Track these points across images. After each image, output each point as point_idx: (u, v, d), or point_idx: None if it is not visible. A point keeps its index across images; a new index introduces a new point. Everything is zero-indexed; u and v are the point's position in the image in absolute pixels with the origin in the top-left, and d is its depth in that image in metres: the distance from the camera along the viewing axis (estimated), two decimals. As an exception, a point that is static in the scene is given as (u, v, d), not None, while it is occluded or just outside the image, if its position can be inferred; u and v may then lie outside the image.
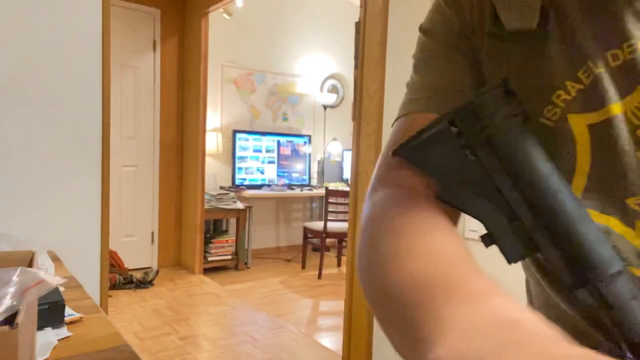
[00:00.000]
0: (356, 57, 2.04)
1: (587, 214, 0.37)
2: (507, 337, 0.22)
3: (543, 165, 0.37)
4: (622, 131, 0.40)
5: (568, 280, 0.37)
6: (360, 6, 2.01)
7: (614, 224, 0.41)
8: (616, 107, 0.40)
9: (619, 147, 0.40)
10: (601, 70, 0.40)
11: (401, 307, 0.30)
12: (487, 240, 0.39)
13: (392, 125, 0.52)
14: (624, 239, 0.41)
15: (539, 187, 0.37)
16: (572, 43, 0.42)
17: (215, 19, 4.02)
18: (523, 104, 0.39)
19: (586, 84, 0.41)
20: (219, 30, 4.20)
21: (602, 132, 0.40)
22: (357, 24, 2.04)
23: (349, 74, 5.14)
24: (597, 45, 0.41)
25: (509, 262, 0.38)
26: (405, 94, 0.52)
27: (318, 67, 5.12)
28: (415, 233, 0.36)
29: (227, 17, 4.22)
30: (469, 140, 0.39)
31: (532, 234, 0.38)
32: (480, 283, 0.29)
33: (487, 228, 0.39)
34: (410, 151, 0.42)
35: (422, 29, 0.53)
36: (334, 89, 5.25)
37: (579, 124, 0.42)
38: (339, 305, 3.27)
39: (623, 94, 0.40)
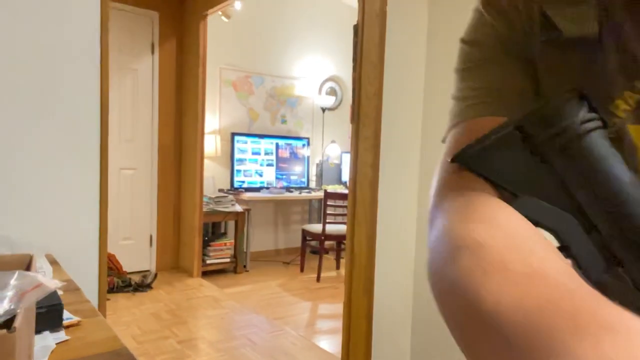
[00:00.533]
0: (354, 60, 2.05)
1: None
2: None
3: (623, 173, 0.35)
4: None
5: None
6: (359, 9, 2.01)
7: None
8: None
9: None
10: None
11: (504, 337, 0.24)
12: (562, 253, 0.34)
13: (443, 140, 0.49)
14: None
15: (620, 196, 0.34)
16: (626, 52, 0.41)
17: (214, 21, 4.02)
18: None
19: None
20: (217, 33, 4.21)
21: None
22: (356, 27, 2.04)
23: (347, 76, 5.14)
24: None
25: (590, 279, 0.34)
26: (454, 104, 0.49)
27: (316, 70, 5.13)
28: (509, 247, 0.30)
29: (226, 20, 4.22)
30: (540, 146, 0.36)
31: (611, 245, 0.35)
32: (610, 312, 0.23)
33: (561, 240, 0.36)
34: (472, 157, 0.39)
35: (464, 40, 0.52)
36: (332, 92, 5.25)
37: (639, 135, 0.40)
38: (338, 308, 3.26)
39: None
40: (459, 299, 0.29)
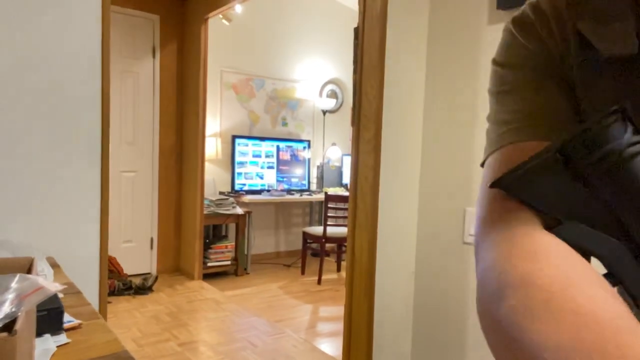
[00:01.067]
0: (355, 62, 2.05)
1: None
2: None
3: None
4: None
5: None
6: (359, 12, 2.01)
7: None
8: None
9: None
10: None
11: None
12: (610, 280, 0.33)
13: (482, 164, 0.48)
14: None
15: None
16: None
17: (215, 25, 4.03)
18: None
19: None
20: (218, 36, 4.22)
21: None
22: (356, 30, 2.05)
23: (348, 79, 5.15)
24: None
25: (639, 305, 0.34)
26: (492, 128, 0.48)
27: (317, 72, 5.13)
28: (556, 285, 0.29)
29: (227, 23, 4.23)
30: (584, 170, 0.35)
31: None
32: None
33: (609, 266, 0.35)
34: (515, 183, 0.38)
35: (497, 62, 0.51)
36: (333, 94, 5.26)
37: None
38: (339, 310, 3.26)
39: None
40: (505, 338, 0.30)
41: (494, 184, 0.40)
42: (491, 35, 1.66)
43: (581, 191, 0.36)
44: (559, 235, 0.36)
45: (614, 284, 0.34)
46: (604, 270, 0.35)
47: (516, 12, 0.53)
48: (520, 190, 0.38)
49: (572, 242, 0.35)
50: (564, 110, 0.45)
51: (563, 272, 0.31)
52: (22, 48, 1.41)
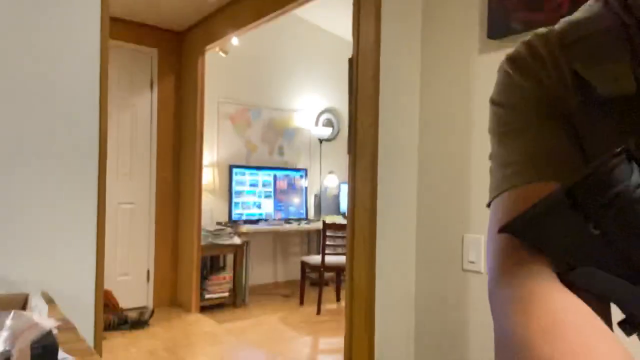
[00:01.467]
0: (350, 92, 2.08)
1: None
2: None
3: None
4: None
5: None
6: (353, 43, 2.06)
7: None
8: None
9: None
10: None
11: None
12: (627, 328, 0.33)
13: (488, 205, 0.49)
14: None
15: None
16: None
17: (212, 56, 4.10)
18: None
19: None
20: (215, 67, 4.29)
21: None
22: (351, 60, 2.09)
23: (343, 107, 5.21)
24: None
25: (629, 333, 0.34)
26: (496, 169, 0.49)
27: (313, 102, 5.20)
28: (570, 355, 0.30)
29: (223, 55, 4.31)
30: (593, 212, 0.35)
31: None
32: None
33: (626, 312, 0.34)
34: (522, 228, 0.38)
35: (495, 101, 0.52)
36: (329, 123, 5.32)
37: None
38: (339, 342, 3.19)
39: None
40: None
41: (502, 229, 0.39)
42: (482, 64, 1.70)
43: (591, 233, 0.35)
44: (573, 282, 0.36)
45: (632, 331, 0.34)
46: (622, 315, 0.34)
47: (510, 50, 0.53)
48: (529, 235, 0.38)
49: (583, 287, 0.35)
50: (567, 150, 0.46)
51: (581, 339, 0.31)
52: (21, 79, 1.43)
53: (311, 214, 5.13)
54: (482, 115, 1.71)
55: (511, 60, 0.51)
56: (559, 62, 0.47)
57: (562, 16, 0.52)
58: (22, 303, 0.72)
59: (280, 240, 4.94)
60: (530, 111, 0.48)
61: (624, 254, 0.35)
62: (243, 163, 4.68)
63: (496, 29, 1.63)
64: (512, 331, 0.35)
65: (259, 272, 4.72)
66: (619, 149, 0.35)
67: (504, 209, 0.45)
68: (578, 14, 0.50)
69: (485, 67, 1.67)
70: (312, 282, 4.86)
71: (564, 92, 0.47)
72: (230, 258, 4.30)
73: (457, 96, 1.80)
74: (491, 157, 0.51)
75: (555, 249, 0.38)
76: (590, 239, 0.35)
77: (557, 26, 0.51)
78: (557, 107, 0.47)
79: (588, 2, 0.50)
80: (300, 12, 4.53)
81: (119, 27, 3.70)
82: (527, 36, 0.52)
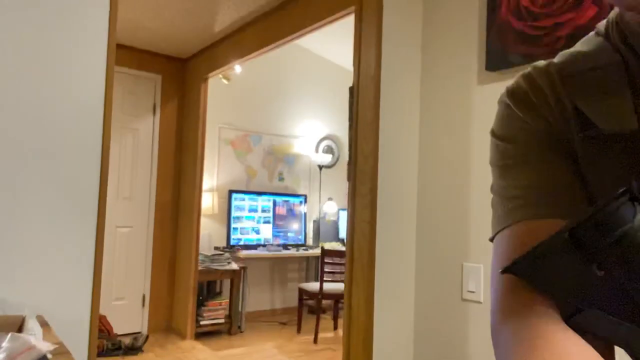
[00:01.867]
0: (350, 120, 2.11)
1: None
2: None
3: None
4: None
5: None
6: (354, 72, 2.10)
7: None
8: None
9: None
10: None
11: None
12: None
13: (491, 239, 0.49)
14: None
15: None
16: None
17: (214, 83, 4.17)
18: None
19: None
20: (217, 94, 4.35)
21: None
22: (351, 89, 2.12)
23: (343, 134, 5.26)
24: None
25: None
26: (498, 203, 0.49)
27: (313, 129, 5.25)
28: None
29: (226, 82, 4.38)
30: (597, 253, 0.35)
31: None
32: None
33: (633, 355, 0.34)
34: (525, 269, 0.38)
35: (497, 135, 0.52)
36: (329, 150, 5.35)
37: None
38: (336, 371, 3.13)
39: None
40: None
41: (505, 270, 0.39)
42: (481, 95, 1.73)
43: (595, 274, 0.35)
44: (577, 325, 0.36)
45: None
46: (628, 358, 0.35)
47: (509, 82, 0.53)
48: (532, 276, 0.38)
49: (589, 331, 0.35)
50: (570, 186, 0.45)
51: None
52: (25, 102, 1.45)
53: (310, 240, 5.10)
54: (481, 145, 1.73)
55: (511, 93, 0.51)
56: (560, 96, 0.47)
57: (560, 50, 0.53)
58: (19, 325, 0.71)
59: (278, 267, 4.90)
60: (532, 144, 0.48)
61: (629, 294, 0.35)
62: (243, 188, 4.69)
63: (494, 61, 1.67)
64: None
65: (256, 299, 4.66)
66: (622, 190, 0.35)
67: (506, 246, 0.45)
68: (578, 47, 0.50)
69: (484, 98, 1.70)
70: (310, 309, 4.79)
71: (565, 126, 0.46)
72: (227, 283, 4.26)
73: (456, 125, 1.82)
74: (492, 189, 0.51)
75: (559, 290, 0.37)
76: (595, 279, 0.35)
77: (556, 59, 0.50)
78: (559, 142, 0.47)
79: (588, 36, 0.50)
80: (302, 41, 4.63)
81: (124, 54, 3.77)
82: (527, 69, 0.52)
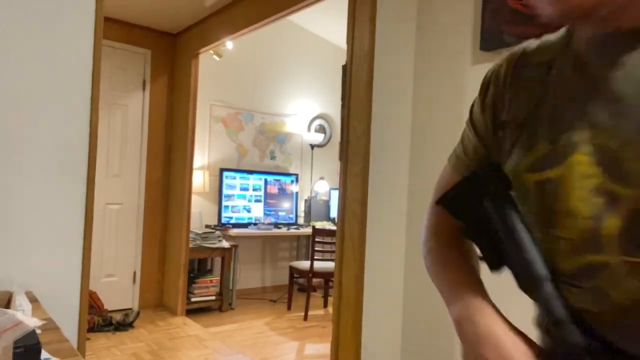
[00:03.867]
0: (343, 99, 2.09)
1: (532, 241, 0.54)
2: (476, 315, 0.55)
3: (515, 219, 0.55)
4: None
5: (522, 282, 0.53)
6: (347, 50, 2.07)
7: None
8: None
9: None
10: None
11: (445, 288, 0.65)
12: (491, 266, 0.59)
13: (448, 159, 0.72)
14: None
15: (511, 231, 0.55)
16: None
17: (205, 59, 4.10)
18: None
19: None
20: (208, 70, 4.28)
21: None
22: (344, 67, 2.10)
23: (336, 114, 5.23)
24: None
25: (491, 269, 0.59)
26: (457, 147, 0.71)
27: (306, 107, 5.21)
28: (451, 263, 0.67)
29: (217, 58, 4.31)
30: (492, 193, 0.57)
31: (504, 255, 0.56)
32: (469, 293, 0.58)
33: (482, 252, 0.61)
34: (447, 202, 0.65)
35: (469, 112, 0.68)
36: (321, 129, 5.33)
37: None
38: (325, 347, 3.18)
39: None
40: (431, 274, 0.77)
41: (437, 202, 0.69)
42: (475, 75, 1.71)
43: (481, 209, 0.57)
44: (466, 235, 0.65)
45: (489, 263, 0.61)
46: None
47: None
48: (450, 207, 0.66)
49: (471, 239, 0.65)
50: (484, 155, 0.65)
51: (459, 262, 0.67)
52: (12, 78, 1.42)
53: (301, 219, 5.12)
54: (473, 125, 1.72)
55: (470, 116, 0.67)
56: (499, 87, 0.59)
57: (554, 30, 0.52)
58: (6, 301, 0.71)
59: (269, 245, 4.92)
60: (474, 130, 0.65)
61: (506, 218, 0.55)
62: (234, 167, 4.66)
63: (489, 41, 1.66)
64: (430, 255, 0.79)
65: (246, 277, 4.69)
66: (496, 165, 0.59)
67: (442, 179, 0.75)
68: (547, 36, 0.56)
69: (478, 78, 1.69)
70: (300, 287, 4.84)
71: (492, 112, 0.61)
72: (218, 261, 4.28)
73: (449, 105, 1.81)
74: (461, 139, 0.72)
75: (462, 217, 0.65)
76: (481, 212, 0.59)
77: (525, 44, 0.58)
78: (486, 136, 0.63)
79: (561, 30, 0.54)
80: (296, 18, 4.55)
81: (112, 27, 3.68)
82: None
